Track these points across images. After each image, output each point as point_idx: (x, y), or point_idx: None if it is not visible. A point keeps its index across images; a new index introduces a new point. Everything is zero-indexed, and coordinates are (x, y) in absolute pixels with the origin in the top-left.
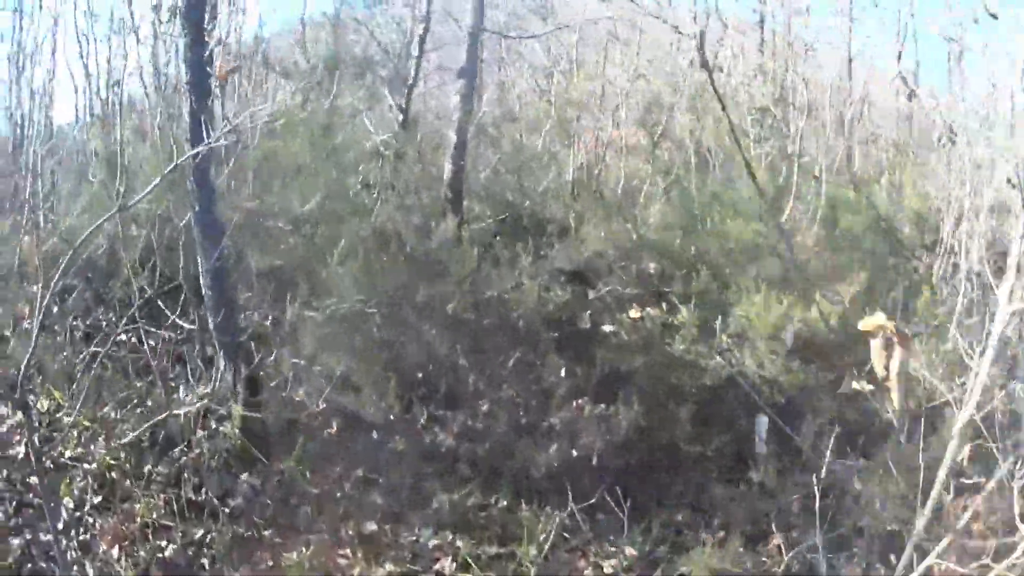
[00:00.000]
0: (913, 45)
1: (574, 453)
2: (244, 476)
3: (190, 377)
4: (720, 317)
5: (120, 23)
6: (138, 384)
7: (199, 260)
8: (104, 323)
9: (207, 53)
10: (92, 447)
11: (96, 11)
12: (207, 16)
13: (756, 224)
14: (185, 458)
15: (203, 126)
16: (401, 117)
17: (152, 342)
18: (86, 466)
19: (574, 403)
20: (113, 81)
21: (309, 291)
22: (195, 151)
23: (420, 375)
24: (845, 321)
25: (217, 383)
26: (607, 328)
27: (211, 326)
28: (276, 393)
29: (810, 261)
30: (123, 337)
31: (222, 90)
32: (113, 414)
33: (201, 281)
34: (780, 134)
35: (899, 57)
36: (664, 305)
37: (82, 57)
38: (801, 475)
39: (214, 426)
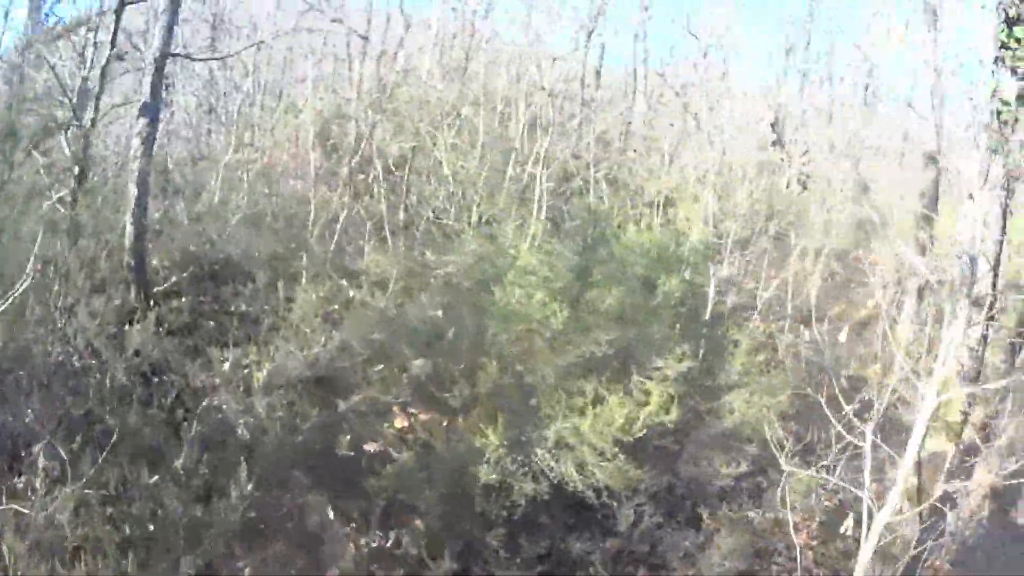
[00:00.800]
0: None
1: None
2: None
3: None
4: (532, 428)
5: None
6: None
7: None
8: None
9: None
10: None
11: None
12: None
13: (542, 295)
14: None
15: None
16: (78, 170)
17: None
18: None
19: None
20: None
21: None
22: None
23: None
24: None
25: None
26: (370, 448)
27: None
28: None
29: (623, 334)
30: None
31: None
32: None
33: None
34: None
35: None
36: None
37: None
38: None
39: None
